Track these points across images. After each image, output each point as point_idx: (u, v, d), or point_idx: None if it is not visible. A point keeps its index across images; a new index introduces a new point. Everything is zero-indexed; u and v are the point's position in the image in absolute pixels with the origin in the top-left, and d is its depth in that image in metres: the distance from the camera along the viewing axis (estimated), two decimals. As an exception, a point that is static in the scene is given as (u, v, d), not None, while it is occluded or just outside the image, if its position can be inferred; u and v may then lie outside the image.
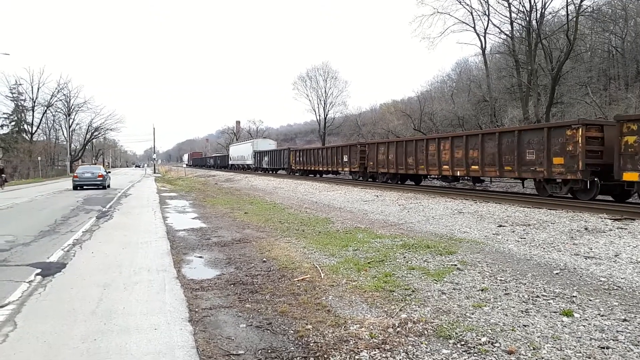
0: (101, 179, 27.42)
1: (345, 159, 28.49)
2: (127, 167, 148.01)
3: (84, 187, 27.03)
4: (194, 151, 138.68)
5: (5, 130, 65.98)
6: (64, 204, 17.98)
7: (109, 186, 28.88)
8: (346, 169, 29.06)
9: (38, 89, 66.97)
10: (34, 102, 67.14)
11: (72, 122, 76.49)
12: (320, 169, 33.43)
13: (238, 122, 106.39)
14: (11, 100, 65.79)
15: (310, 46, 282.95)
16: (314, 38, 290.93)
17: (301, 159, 36.96)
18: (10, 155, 58.18)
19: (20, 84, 65.80)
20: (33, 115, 68.08)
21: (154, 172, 67.55)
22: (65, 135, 76.50)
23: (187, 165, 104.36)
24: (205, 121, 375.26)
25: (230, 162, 66.91)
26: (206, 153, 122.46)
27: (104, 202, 18.72)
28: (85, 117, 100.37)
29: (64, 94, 71.52)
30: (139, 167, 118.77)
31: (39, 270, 6.85)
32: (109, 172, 33.54)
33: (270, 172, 46.77)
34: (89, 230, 10.99)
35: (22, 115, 67.14)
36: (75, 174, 28.49)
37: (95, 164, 75.85)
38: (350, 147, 28.63)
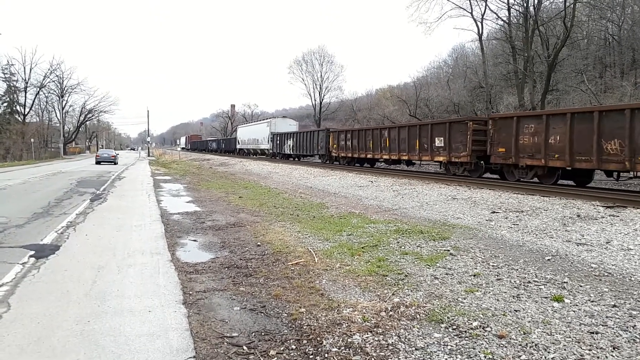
0: (113, 157, 41.85)
1: (439, 142, 19.21)
2: (122, 149, 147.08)
3: (101, 162, 40.34)
4: (192, 134, 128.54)
5: (-3, 111, 65.29)
6: (57, 187, 17.89)
7: (117, 163, 41.15)
8: (439, 158, 19.28)
9: (30, 69, 66.26)
10: (27, 83, 66.37)
11: (66, 103, 75.90)
12: (384, 157, 23.44)
13: (233, 106, 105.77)
14: (3, 80, 64.90)
15: (307, 30, 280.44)
16: (310, 22, 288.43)
17: (349, 142, 26.78)
18: (2, 137, 57.54)
19: (12, 65, 64.84)
20: (25, 97, 67.38)
21: (148, 155, 67.22)
22: (59, 117, 75.81)
23: (184, 149, 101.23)
24: (200, 105, 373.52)
25: (238, 147, 56.59)
26: (203, 136, 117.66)
27: (97, 185, 18.64)
28: (78, 99, 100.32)
29: (57, 75, 70.77)
30: (133, 149, 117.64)
31: (32, 252, 6.84)
32: (118, 153, 48.13)
33: (295, 159, 37.34)
34: (83, 212, 10.95)
35: (15, 96, 66.27)
36: (97, 154, 45.06)
37: (89, 146, 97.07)
38: (450, 124, 18.68)
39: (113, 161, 41.05)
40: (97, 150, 48.85)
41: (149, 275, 5.75)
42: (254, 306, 4.62)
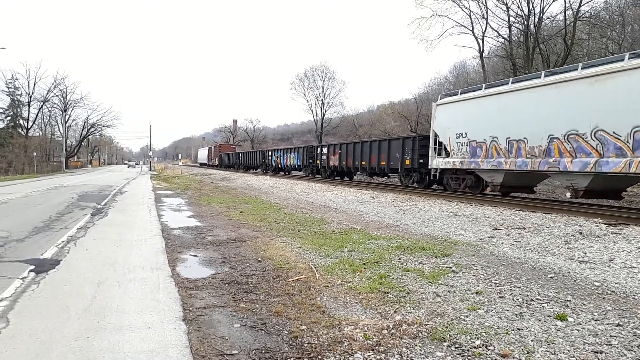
0: (134, 165, 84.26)
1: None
2: (124, 164, 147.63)
3: (129, 166, 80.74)
4: (221, 143, 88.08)
5: (1, 125, 65.60)
6: (58, 200, 17.89)
7: (135, 167, 73.04)
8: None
9: (34, 84, 66.64)
10: (30, 97, 66.70)
11: (69, 118, 76.48)
12: None
13: (235, 121, 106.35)
14: (7, 94, 65.39)
15: (309, 46, 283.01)
16: (312, 38, 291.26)
17: None
18: (5, 150, 57.69)
19: (16, 79, 65.40)
20: (29, 111, 67.71)
21: (150, 170, 67.33)
22: (61, 131, 76.37)
23: (204, 164, 79.02)
24: (202, 120, 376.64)
25: (440, 164, 18.17)
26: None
27: (99, 199, 18.64)
28: (81, 113, 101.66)
29: (61, 90, 71.30)
30: (137, 164, 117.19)
31: (32, 267, 6.81)
32: (138, 163, 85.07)
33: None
34: (84, 227, 10.93)
35: (18, 110, 66.67)
36: (127, 163, 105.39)
37: (91, 160, 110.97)
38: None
39: (134, 167, 73.03)
40: (101, 165, 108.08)
41: (149, 290, 5.71)
42: (254, 323, 4.58)
